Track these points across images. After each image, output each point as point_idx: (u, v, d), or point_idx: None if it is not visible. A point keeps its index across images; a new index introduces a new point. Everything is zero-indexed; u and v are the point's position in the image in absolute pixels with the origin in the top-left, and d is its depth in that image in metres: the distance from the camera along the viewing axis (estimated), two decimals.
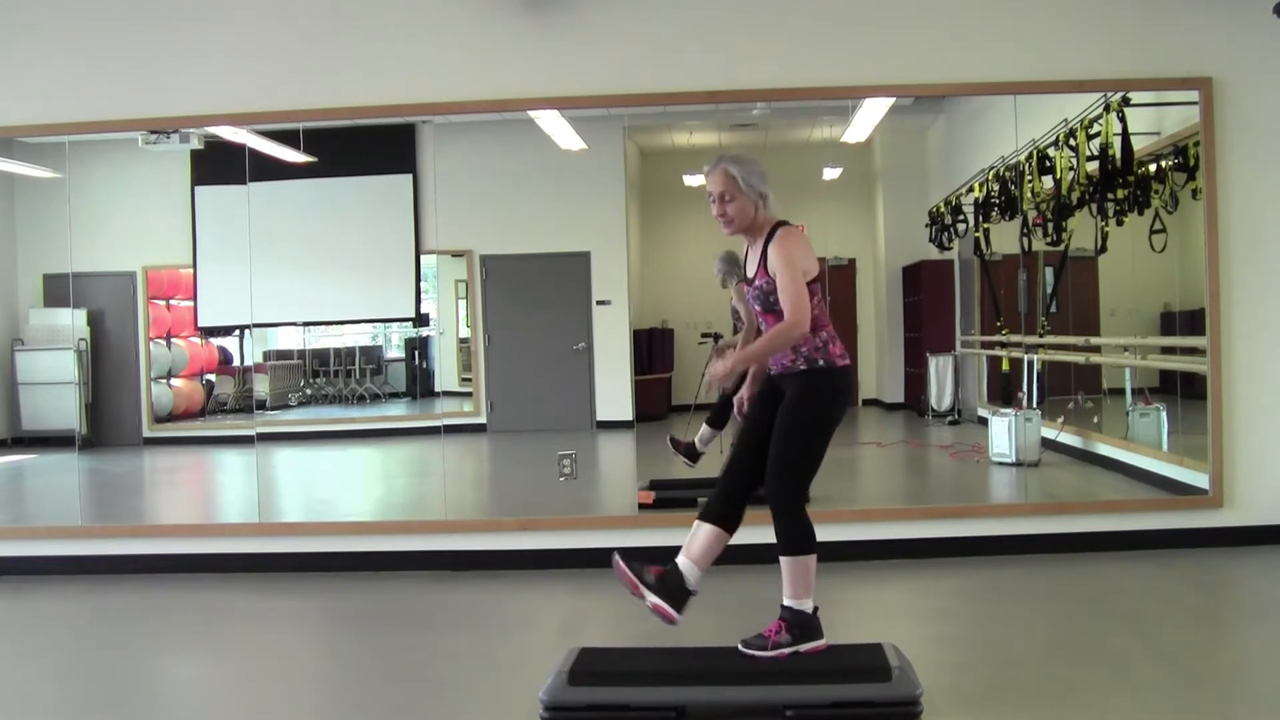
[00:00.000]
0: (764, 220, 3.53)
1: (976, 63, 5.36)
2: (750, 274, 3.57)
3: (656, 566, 3.51)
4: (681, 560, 3.52)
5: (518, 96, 5.46)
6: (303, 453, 7.85)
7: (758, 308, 3.55)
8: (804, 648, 3.44)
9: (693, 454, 6.12)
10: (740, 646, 3.49)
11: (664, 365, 7.54)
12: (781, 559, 3.46)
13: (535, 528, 5.47)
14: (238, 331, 7.80)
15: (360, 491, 7.39)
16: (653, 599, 3.45)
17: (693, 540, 3.53)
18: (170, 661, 4.33)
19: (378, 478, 7.69)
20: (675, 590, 3.47)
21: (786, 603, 3.47)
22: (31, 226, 7.17)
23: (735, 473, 3.58)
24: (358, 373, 8.35)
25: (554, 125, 6.18)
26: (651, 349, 7.42)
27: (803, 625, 3.45)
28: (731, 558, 5.33)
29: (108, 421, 7.44)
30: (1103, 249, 6.20)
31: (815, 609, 3.49)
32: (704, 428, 6.09)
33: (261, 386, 7.87)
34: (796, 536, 3.43)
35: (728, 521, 3.53)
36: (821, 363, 3.46)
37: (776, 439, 3.46)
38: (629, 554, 3.51)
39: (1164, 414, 6.19)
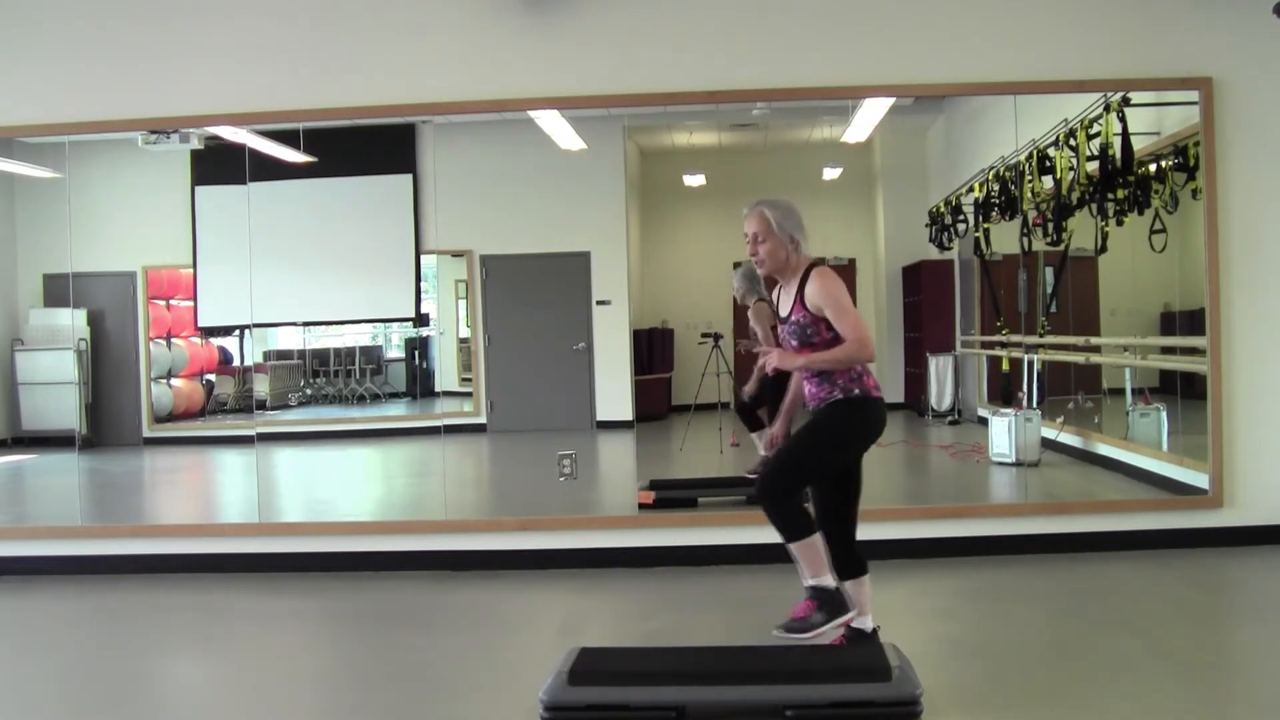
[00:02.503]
0: (797, 262, 3.69)
1: (976, 63, 5.36)
2: (785, 313, 3.73)
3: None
4: (856, 621, 3.71)
5: (518, 96, 5.46)
6: (303, 453, 7.85)
7: (794, 343, 3.69)
8: (838, 621, 3.60)
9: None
10: (777, 632, 3.61)
11: (664, 365, 7.55)
12: (789, 546, 3.60)
13: (535, 528, 5.47)
14: (238, 331, 7.80)
15: (360, 491, 7.39)
16: (838, 621, 3.63)
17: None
18: (170, 661, 4.33)
19: (378, 478, 7.68)
20: (836, 605, 3.65)
21: (809, 583, 3.62)
22: (31, 226, 7.17)
23: (824, 523, 3.72)
24: (358, 373, 8.35)
25: (554, 125, 6.17)
26: (651, 349, 7.43)
27: (830, 600, 3.61)
28: (731, 558, 5.35)
29: (108, 421, 7.44)
30: (1103, 249, 6.20)
31: (837, 587, 3.64)
32: (757, 440, 6.02)
33: (261, 386, 7.87)
34: (792, 522, 3.58)
35: (854, 568, 3.71)
36: (857, 392, 3.61)
37: (791, 440, 3.68)
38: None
39: (1164, 414, 6.19)
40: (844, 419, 3.61)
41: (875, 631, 3.71)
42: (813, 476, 3.67)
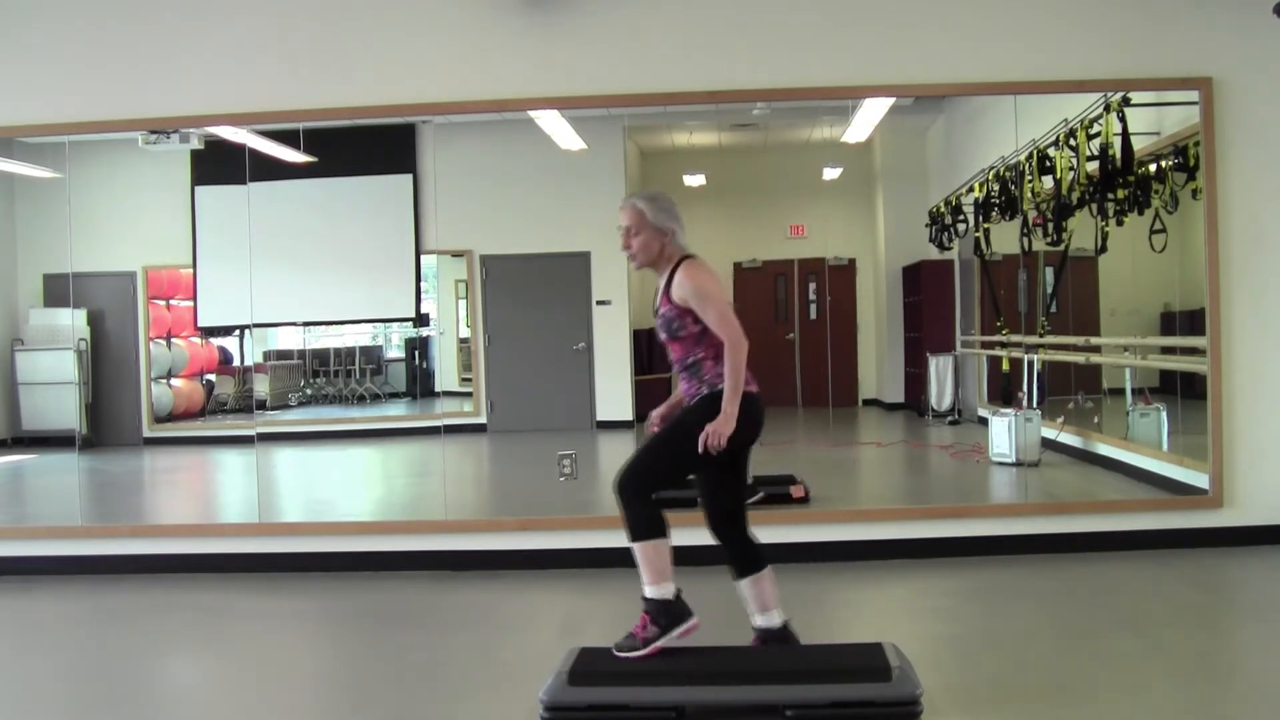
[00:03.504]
0: (670, 253, 3.61)
1: (976, 63, 5.36)
2: (655, 304, 3.65)
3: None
4: (761, 619, 3.63)
5: (518, 96, 5.46)
6: (303, 453, 7.86)
7: (663, 335, 3.61)
8: (675, 633, 3.43)
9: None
10: (614, 651, 3.46)
11: (664, 365, 7.51)
12: (633, 546, 3.45)
13: (535, 528, 5.46)
14: (238, 331, 7.81)
15: (360, 491, 7.39)
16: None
17: (754, 600, 3.62)
18: (170, 661, 4.33)
19: (378, 478, 7.69)
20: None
21: (647, 593, 3.45)
22: (31, 226, 7.17)
23: (717, 526, 3.66)
24: (358, 373, 8.36)
25: (554, 125, 6.18)
26: (651, 349, 7.41)
27: (668, 613, 3.43)
28: (722, 558, 5.33)
29: (108, 421, 7.44)
30: (1103, 249, 6.20)
31: (679, 592, 3.47)
32: None
33: (261, 386, 7.88)
34: (644, 522, 3.45)
35: (751, 564, 3.61)
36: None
37: (650, 443, 3.58)
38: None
39: (1164, 414, 6.19)
40: (709, 416, 3.45)
41: (786, 625, 3.59)
42: (674, 476, 3.55)
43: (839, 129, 6.92)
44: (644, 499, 3.46)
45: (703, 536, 5.40)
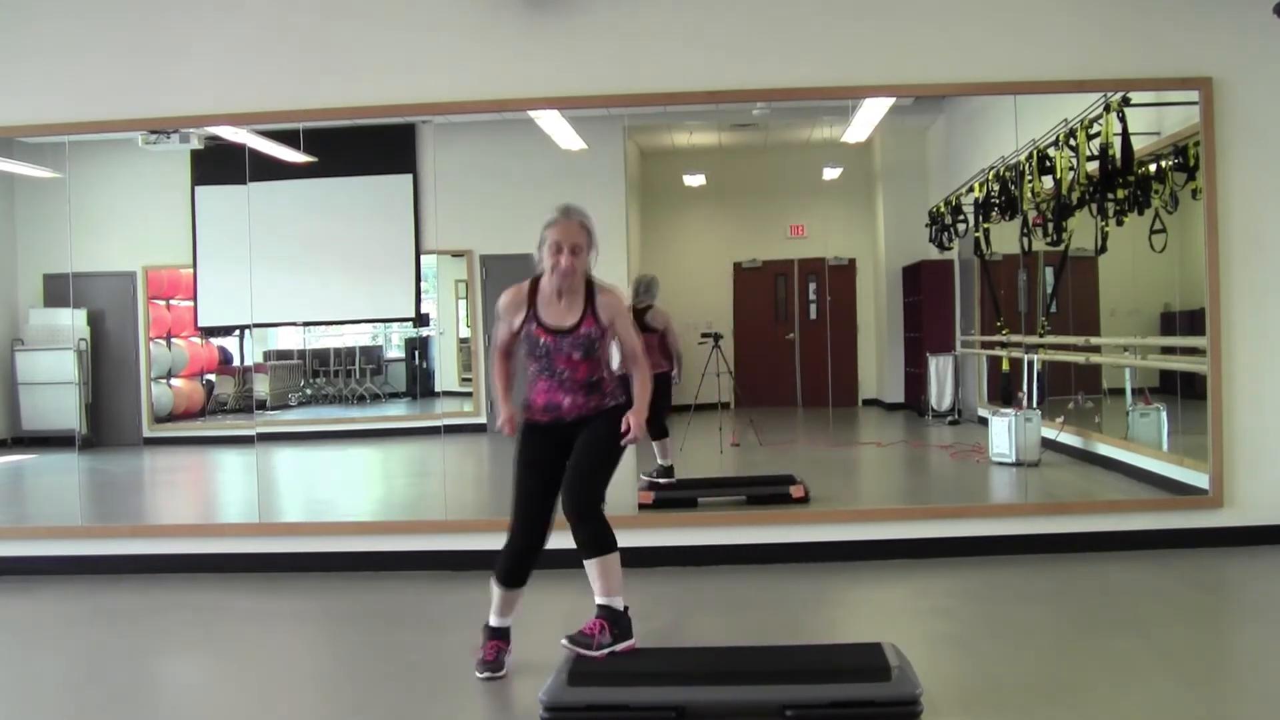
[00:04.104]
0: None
1: (976, 63, 5.36)
2: (567, 323, 3.75)
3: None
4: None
5: (518, 96, 5.46)
6: (303, 453, 7.85)
7: (577, 355, 3.73)
8: (619, 647, 3.58)
9: (669, 473, 6.38)
10: (565, 642, 3.58)
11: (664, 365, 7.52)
12: (591, 563, 3.65)
13: None
14: (238, 331, 7.80)
15: (360, 491, 7.39)
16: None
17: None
18: (170, 661, 4.33)
19: (378, 478, 7.69)
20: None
21: (602, 602, 3.63)
22: (31, 226, 7.17)
23: (539, 517, 3.84)
24: (358, 373, 8.35)
25: (554, 125, 6.17)
26: (650, 347, 7.42)
27: (619, 624, 3.62)
28: (731, 558, 5.35)
29: (108, 421, 7.44)
30: (1103, 249, 6.20)
31: (626, 607, 3.66)
32: (654, 445, 6.36)
33: (261, 386, 7.87)
34: (602, 539, 3.66)
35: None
36: (624, 398, 3.84)
37: (590, 458, 3.73)
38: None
39: (1164, 414, 6.19)
40: (619, 425, 3.71)
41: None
42: (608, 484, 3.78)
43: (839, 129, 6.92)
44: (599, 516, 3.69)
45: (703, 537, 5.44)
